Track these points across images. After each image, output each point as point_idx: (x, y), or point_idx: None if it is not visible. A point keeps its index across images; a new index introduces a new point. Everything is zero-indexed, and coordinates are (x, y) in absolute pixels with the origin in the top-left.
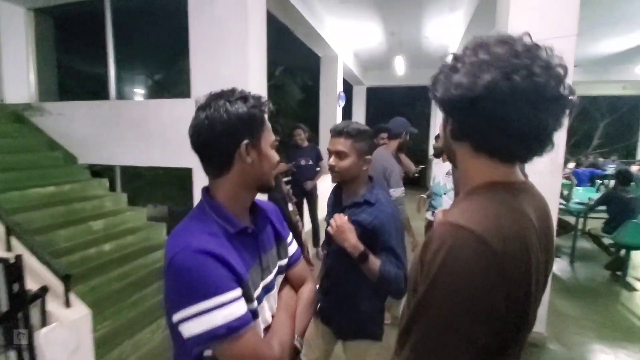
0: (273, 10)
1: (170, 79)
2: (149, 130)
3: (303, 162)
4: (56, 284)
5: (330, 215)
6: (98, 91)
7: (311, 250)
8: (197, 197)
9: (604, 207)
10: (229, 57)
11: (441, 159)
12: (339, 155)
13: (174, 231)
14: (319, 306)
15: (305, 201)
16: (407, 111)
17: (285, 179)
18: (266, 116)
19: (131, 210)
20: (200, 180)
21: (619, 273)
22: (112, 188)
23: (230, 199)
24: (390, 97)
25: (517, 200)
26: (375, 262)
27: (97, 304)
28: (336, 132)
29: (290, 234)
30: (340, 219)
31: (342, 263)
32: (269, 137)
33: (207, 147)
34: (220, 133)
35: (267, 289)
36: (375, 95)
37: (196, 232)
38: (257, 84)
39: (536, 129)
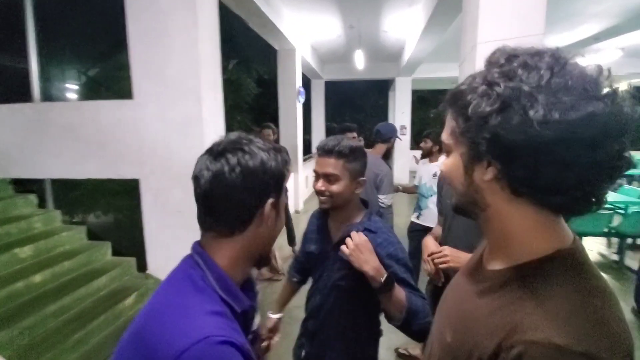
0: (226, 1)
1: (108, 74)
2: (84, 137)
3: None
4: None
5: (313, 244)
6: (19, 90)
7: (278, 256)
8: (145, 209)
9: None
10: (177, 51)
11: (428, 159)
12: (329, 178)
13: (172, 308)
14: (303, 354)
15: None
16: (365, 103)
17: None
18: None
19: (67, 230)
20: (148, 191)
21: None
22: (43, 205)
23: (235, 266)
24: (348, 90)
25: (598, 276)
26: (401, 291)
27: (30, 350)
28: (325, 151)
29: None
30: (359, 237)
31: (335, 299)
32: (284, 199)
33: (229, 198)
34: (253, 185)
35: None
36: (333, 89)
37: (204, 314)
38: (211, 80)
39: (619, 169)
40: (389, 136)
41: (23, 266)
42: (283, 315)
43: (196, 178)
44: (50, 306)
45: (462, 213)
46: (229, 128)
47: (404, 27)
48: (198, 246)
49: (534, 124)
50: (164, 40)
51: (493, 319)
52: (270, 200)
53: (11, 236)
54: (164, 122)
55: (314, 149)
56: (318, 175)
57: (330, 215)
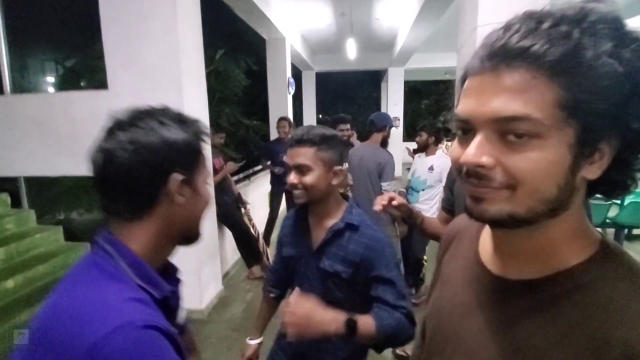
0: None
1: (86, 65)
2: (56, 131)
3: (285, 158)
4: None
5: (291, 247)
6: None
7: (269, 252)
8: None
9: None
10: (154, 37)
11: (424, 153)
12: (300, 169)
13: (82, 298)
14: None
15: (284, 195)
16: (357, 96)
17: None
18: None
19: (42, 231)
20: None
21: None
22: (16, 204)
23: (151, 250)
24: (340, 82)
25: None
26: (368, 324)
27: None
28: (294, 141)
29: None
30: (295, 302)
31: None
32: (204, 172)
33: (126, 178)
34: (148, 162)
35: None
36: (325, 81)
37: (122, 301)
38: (193, 69)
39: None
40: (383, 124)
41: None
42: (263, 339)
43: (91, 161)
44: (23, 315)
45: (515, 225)
46: (217, 121)
47: (397, 14)
48: (107, 234)
49: None
50: (140, 25)
51: (574, 344)
52: (177, 177)
53: None
54: None
55: None
56: (290, 168)
57: (310, 212)
